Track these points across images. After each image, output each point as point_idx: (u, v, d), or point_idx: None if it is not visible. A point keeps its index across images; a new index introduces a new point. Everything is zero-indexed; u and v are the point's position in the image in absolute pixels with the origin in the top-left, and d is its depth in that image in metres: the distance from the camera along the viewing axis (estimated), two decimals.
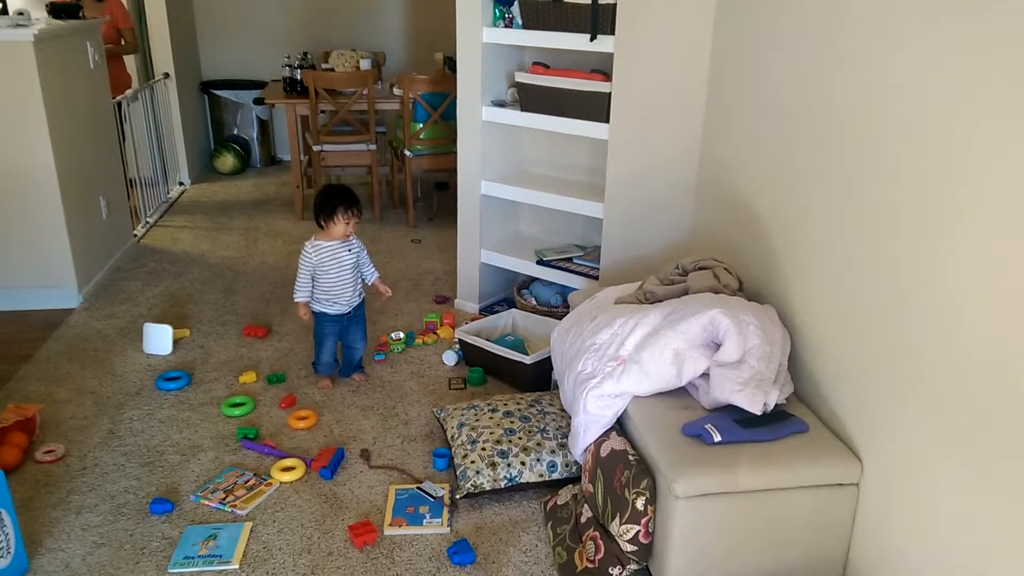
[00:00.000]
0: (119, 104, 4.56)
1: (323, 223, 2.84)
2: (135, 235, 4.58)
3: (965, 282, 1.56)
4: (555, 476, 2.39)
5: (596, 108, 3.06)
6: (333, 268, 2.86)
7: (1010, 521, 1.47)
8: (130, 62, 5.36)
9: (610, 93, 2.98)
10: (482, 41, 3.26)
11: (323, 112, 4.96)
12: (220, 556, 2.14)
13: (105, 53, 4.27)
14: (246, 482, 2.44)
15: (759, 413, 2.01)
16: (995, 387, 1.49)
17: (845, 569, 2.01)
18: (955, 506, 1.61)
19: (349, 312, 2.94)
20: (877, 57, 1.84)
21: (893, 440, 1.81)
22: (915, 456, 1.73)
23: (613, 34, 2.89)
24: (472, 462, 2.38)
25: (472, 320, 3.44)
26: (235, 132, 6.25)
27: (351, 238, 2.89)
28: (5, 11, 4.60)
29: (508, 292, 3.82)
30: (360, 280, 2.97)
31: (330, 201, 2.81)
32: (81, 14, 3.99)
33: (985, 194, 1.50)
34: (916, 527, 1.73)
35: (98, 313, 3.64)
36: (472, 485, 2.34)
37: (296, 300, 2.89)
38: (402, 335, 3.36)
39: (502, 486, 2.35)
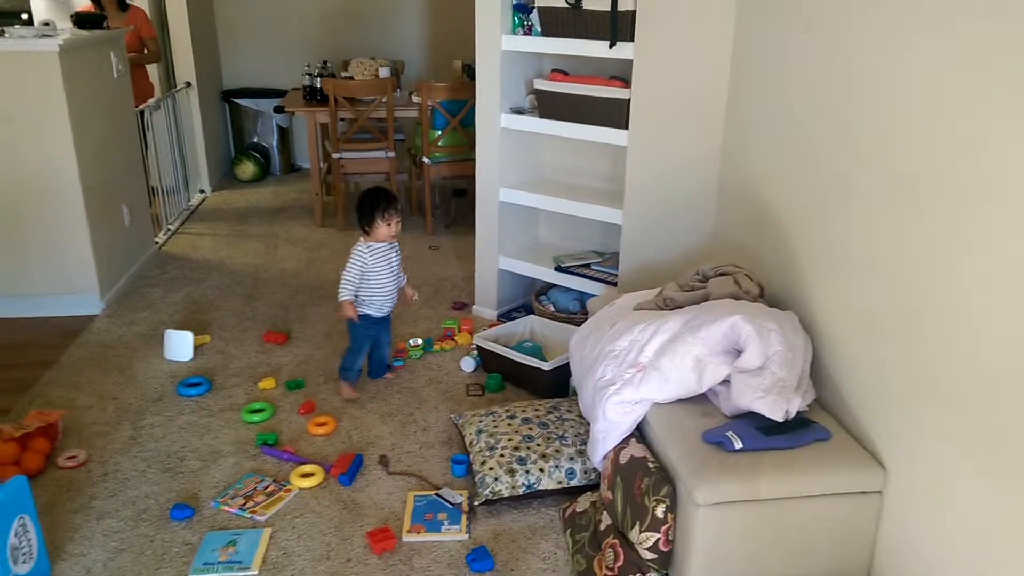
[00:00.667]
0: (141, 113, 4.61)
1: (367, 228, 2.85)
2: (156, 242, 4.63)
3: (988, 288, 1.53)
4: (574, 483, 2.38)
5: (615, 114, 3.05)
6: (384, 270, 2.89)
7: None
8: (152, 71, 5.42)
9: (629, 99, 2.97)
10: (501, 49, 3.27)
11: (342, 120, 4.99)
12: (240, 562, 2.14)
13: (128, 62, 4.32)
14: (265, 488, 2.45)
15: (781, 420, 1.99)
16: (1019, 393, 1.46)
17: None
18: (978, 515, 1.58)
19: (384, 319, 2.99)
20: (897, 59, 1.81)
21: (917, 447, 1.78)
22: (939, 464, 1.70)
23: (632, 40, 2.89)
24: (491, 468, 2.37)
25: (490, 326, 3.44)
26: (255, 140, 6.31)
27: (395, 241, 2.91)
28: (31, 21, 4.67)
29: (526, 298, 3.81)
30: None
31: (369, 205, 2.82)
32: (105, 24, 4.05)
33: (1007, 198, 1.48)
34: (940, 536, 1.70)
35: (120, 320, 3.68)
36: (491, 492, 2.33)
37: (343, 299, 2.85)
38: (420, 341, 3.37)
39: (520, 493, 2.34)
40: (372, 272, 2.87)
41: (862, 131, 1.97)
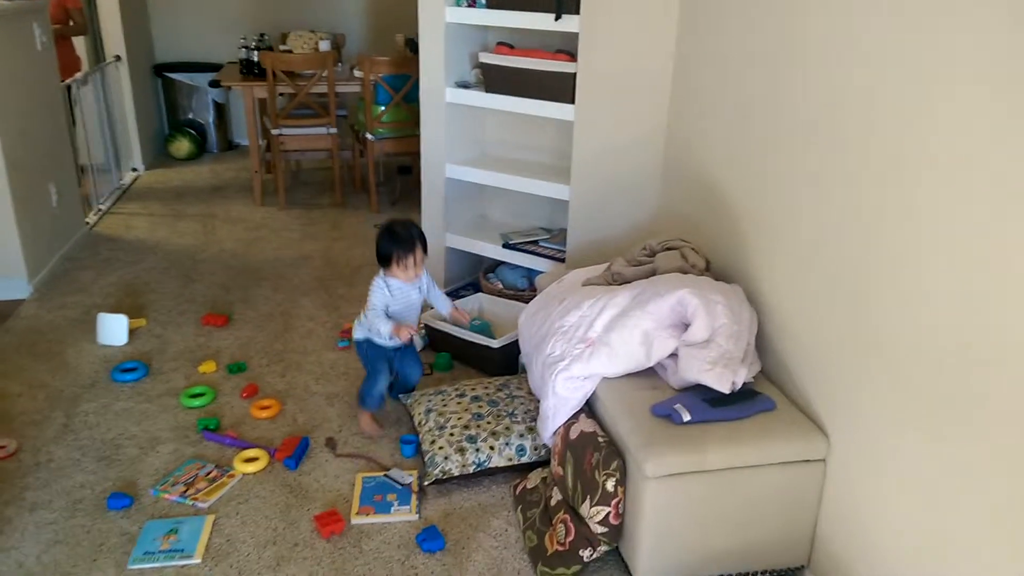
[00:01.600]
0: (68, 88, 4.39)
1: (383, 268, 2.55)
2: (87, 223, 4.44)
3: (928, 261, 1.57)
4: (524, 460, 2.37)
5: (561, 89, 3.02)
6: (403, 309, 2.58)
7: (971, 493, 1.48)
8: (79, 44, 5.17)
9: (575, 73, 2.95)
10: (445, 21, 3.20)
11: (281, 95, 4.84)
12: (182, 551, 2.08)
13: (53, 34, 4.10)
14: (207, 474, 2.38)
15: (727, 392, 2.01)
16: (955, 362, 1.50)
17: (813, 544, 2.02)
18: (918, 479, 1.63)
19: (401, 345, 2.65)
20: (842, 37, 1.83)
21: (858, 416, 1.82)
22: (879, 431, 1.74)
23: (578, 13, 2.85)
24: (440, 448, 2.34)
25: None
26: (190, 116, 6.08)
27: (419, 277, 2.60)
28: None
29: (474, 276, 3.78)
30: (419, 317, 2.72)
31: (384, 247, 2.51)
32: None
33: (950, 174, 1.51)
34: (881, 501, 1.75)
35: (49, 304, 3.52)
36: (441, 471, 2.31)
37: (387, 329, 2.48)
38: None
39: (471, 471, 2.33)
40: (390, 309, 2.56)
41: (806, 105, 1.99)
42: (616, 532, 1.98)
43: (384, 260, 2.51)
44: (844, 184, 1.84)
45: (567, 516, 2.05)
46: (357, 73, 4.66)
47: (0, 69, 3.41)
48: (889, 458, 1.72)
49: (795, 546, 2.02)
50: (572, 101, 2.99)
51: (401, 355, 2.66)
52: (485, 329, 3.10)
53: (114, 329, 3.15)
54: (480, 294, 3.37)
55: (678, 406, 1.98)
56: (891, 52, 1.66)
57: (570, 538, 2.01)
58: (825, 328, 1.94)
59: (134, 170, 5.55)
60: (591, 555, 1.97)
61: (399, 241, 2.49)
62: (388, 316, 2.52)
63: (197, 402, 2.75)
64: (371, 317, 2.51)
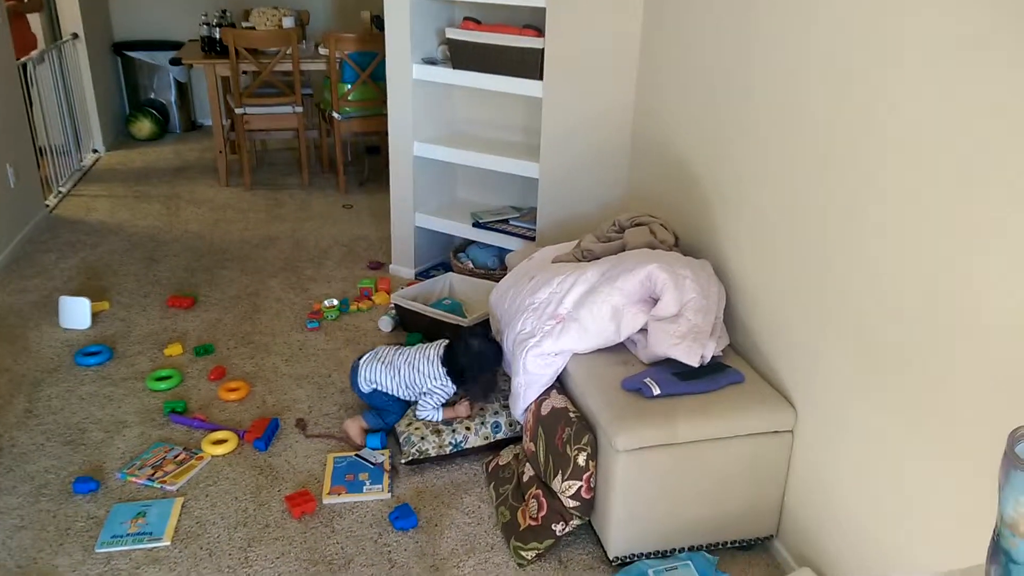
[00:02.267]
0: (24, 66, 4.26)
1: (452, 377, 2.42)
2: (47, 205, 4.32)
3: (891, 237, 1.59)
4: (500, 436, 2.37)
5: (529, 65, 3.00)
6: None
7: (933, 460, 1.52)
8: (34, 21, 5.01)
9: (543, 49, 2.93)
10: None
11: (245, 73, 4.75)
12: (150, 533, 2.05)
13: (7, 12, 3.97)
14: (175, 457, 2.35)
15: (697, 365, 2.03)
16: (917, 334, 1.53)
17: (782, 513, 2.06)
18: (881, 449, 1.66)
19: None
20: (807, 13, 1.83)
21: (823, 387, 1.85)
22: (844, 402, 1.77)
23: None
24: (416, 428, 2.34)
25: (408, 285, 3.38)
26: (152, 96, 5.94)
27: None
28: None
29: (444, 256, 3.76)
30: None
31: (484, 363, 2.41)
32: None
33: (914, 151, 1.52)
34: (846, 470, 1.78)
35: (9, 287, 3.43)
36: (417, 451, 2.30)
37: (440, 416, 2.39)
38: (336, 302, 3.28)
39: (448, 452, 2.32)
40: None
41: (773, 81, 2.00)
42: (588, 506, 1.99)
43: (474, 381, 2.39)
44: (810, 160, 1.85)
45: (539, 491, 2.06)
46: (322, 51, 4.59)
47: None
48: (853, 428, 1.75)
49: (764, 516, 2.05)
50: (540, 77, 2.97)
51: (389, 400, 2.50)
52: (456, 309, 3.09)
53: (76, 312, 3.08)
54: (450, 274, 3.35)
55: (648, 380, 1.99)
56: (856, 29, 1.67)
57: (542, 513, 2.02)
58: (791, 302, 1.96)
59: (95, 151, 5.41)
60: (563, 529, 1.98)
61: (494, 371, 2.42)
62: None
63: (163, 385, 2.71)
64: (427, 413, 2.37)
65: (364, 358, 2.50)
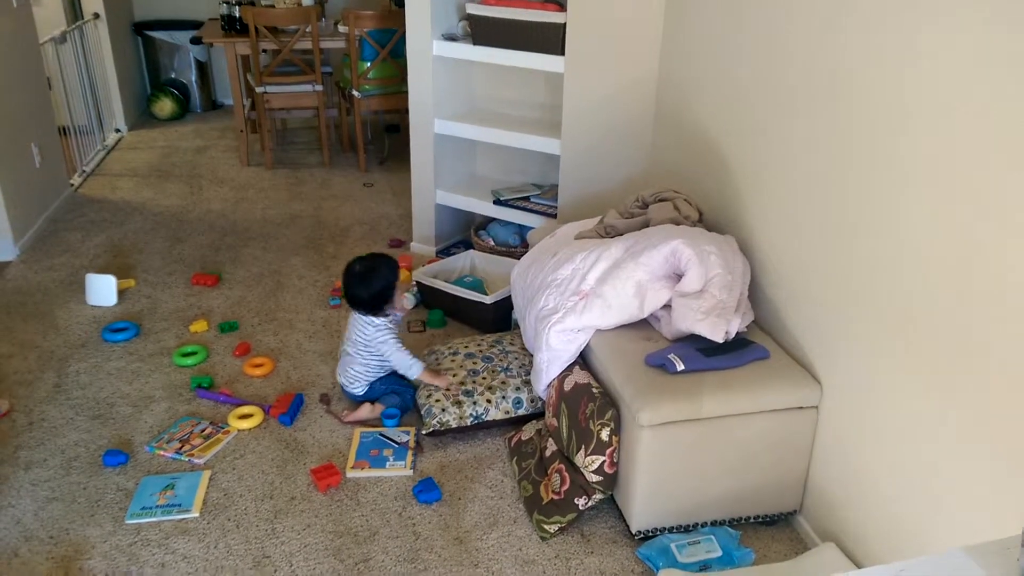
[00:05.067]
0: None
1: (386, 306, 2.46)
2: (72, 184, 4.37)
3: (919, 209, 1.56)
4: (521, 412, 2.38)
5: (551, 40, 2.97)
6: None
7: (961, 436, 1.50)
8: (55, 1, 5.04)
9: (565, 24, 2.90)
10: None
11: (265, 52, 4.75)
12: (179, 505, 2.09)
13: None
14: (202, 431, 2.38)
15: (721, 341, 2.02)
16: (945, 308, 1.51)
17: (805, 489, 2.05)
18: (908, 424, 1.64)
19: None
20: None
21: (850, 363, 1.83)
22: (870, 377, 1.76)
23: None
24: (437, 400, 2.35)
25: (429, 263, 3.38)
26: (172, 75, 5.96)
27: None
28: None
29: (465, 233, 3.76)
30: None
31: (384, 276, 2.43)
32: None
33: (944, 114, 1.49)
34: (872, 446, 1.77)
35: (37, 265, 3.48)
36: (438, 422, 2.32)
37: (420, 373, 2.42)
38: None
39: (468, 423, 2.34)
40: None
41: (802, 50, 1.96)
42: (611, 481, 2.00)
43: (389, 292, 2.43)
44: (837, 133, 1.82)
45: (562, 466, 2.07)
46: (342, 28, 4.57)
47: None
48: (880, 404, 1.74)
49: (788, 492, 2.04)
50: (562, 52, 2.94)
51: (393, 381, 2.54)
52: (477, 286, 3.10)
53: (103, 290, 3.12)
54: (472, 251, 3.35)
55: (672, 356, 1.99)
56: (890, 4, 1.63)
57: (565, 487, 2.03)
58: (818, 277, 1.94)
59: (117, 131, 5.45)
60: (586, 503, 1.99)
61: (393, 266, 2.47)
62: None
63: (189, 361, 2.74)
64: (401, 359, 2.40)
65: (339, 374, 2.55)
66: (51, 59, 4.36)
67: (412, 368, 2.42)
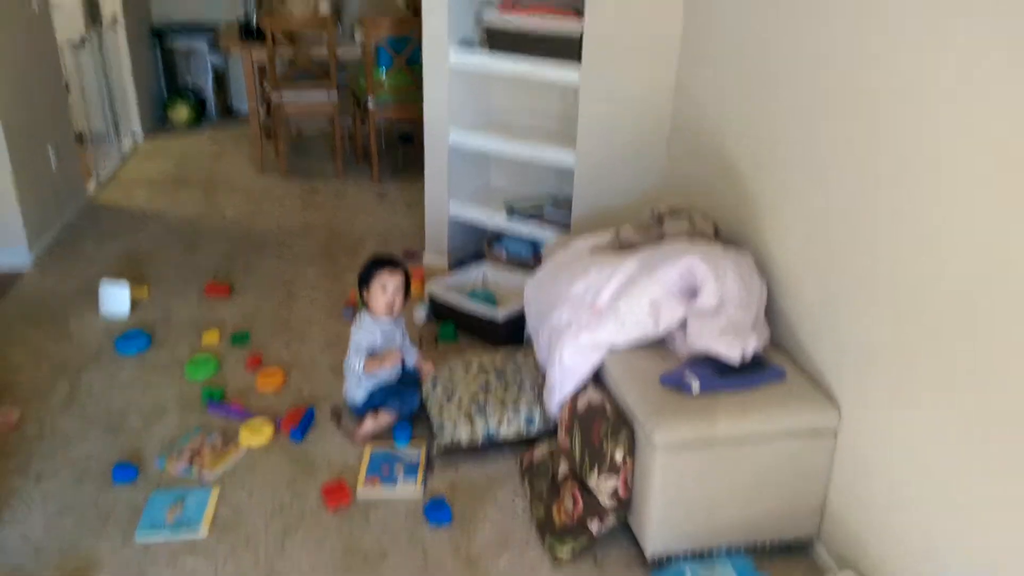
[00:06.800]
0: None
1: (364, 298, 2.49)
2: (87, 191, 4.39)
3: (945, 229, 1.52)
4: (533, 430, 2.35)
5: (568, 49, 2.94)
6: (385, 348, 2.49)
7: (985, 462, 1.46)
8: (74, 5, 5.07)
9: (582, 34, 2.87)
10: None
11: (281, 59, 4.75)
12: (188, 522, 2.07)
13: None
14: (213, 445, 2.37)
15: (738, 361, 1.98)
16: (969, 332, 1.47)
17: (823, 515, 2.01)
18: (930, 449, 1.60)
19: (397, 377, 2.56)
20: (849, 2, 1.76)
21: (870, 385, 1.79)
22: (891, 400, 1.72)
23: None
24: (449, 415, 2.33)
25: (441, 275, 3.36)
26: (189, 81, 5.99)
27: (400, 315, 2.54)
28: None
29: (478, 246, 3.74)
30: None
31: (368, 265, 2.48)
32: None
33: (962, 133, 1.46)
34: (893, 471, 1.73)
35: (51, 273, 3.49)
36: (451, 438, 2.29)
37: (361, 370, 2.43)
38: None
39: (480, 441, 2.31)
40: (377, 348, 2.47)
41: (821, 67, 1.93)
42: (625, 504, 1.96)
43: (366, 279, 2.46)
44: (856, 149, 1.78)
45: (575, 488, 2.04)
46: (358, 36, 4.57)
47: None
48: (901, 427, 1.70)
49: (805, 517, 2.00)
50: (579, 60, 2.91)
51: (399, 387, 2.51)
52: (490, 299, 3.07)
53: (117, 299, 3.12)
54: (485, 264, 3.33)
55: (687, 375, 1.95)
56: (907, 15, 1.59)
57: (578, 510, 2.00)
58: (837, 296, 1.90)
59: (134, 137, 5.48)
60: (600, 528, 1.96)
61: (383, 260, 2.49)
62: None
63: (201, 372, 2.73)
64: (351, 354, 2.43)
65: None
66: (69, 63, 4.38)
67: (356, 365, 2.43)
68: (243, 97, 6.13)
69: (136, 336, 2.92)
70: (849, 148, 1.83)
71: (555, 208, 3.38)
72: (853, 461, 1.88)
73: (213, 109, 6.06)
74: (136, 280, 3.40)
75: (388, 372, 2.50)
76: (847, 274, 1.86)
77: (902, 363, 1.68)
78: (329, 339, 3.00)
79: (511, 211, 3.37)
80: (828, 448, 1.94)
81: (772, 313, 2.20)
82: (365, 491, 2.20)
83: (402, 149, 5.17)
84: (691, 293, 2.14)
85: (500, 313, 2.86)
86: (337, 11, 5.14)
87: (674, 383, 1.97)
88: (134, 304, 3.18)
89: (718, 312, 2.06)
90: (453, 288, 3.13)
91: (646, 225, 2.51)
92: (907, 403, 1.67)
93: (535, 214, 3.35)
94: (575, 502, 2.01)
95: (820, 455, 1.95)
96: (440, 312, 3.10)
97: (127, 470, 2.24)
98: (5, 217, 3.46)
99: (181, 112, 5.82)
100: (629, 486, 1.96)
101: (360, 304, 2.54)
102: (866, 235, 1.78)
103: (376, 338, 2.47)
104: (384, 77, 4.52)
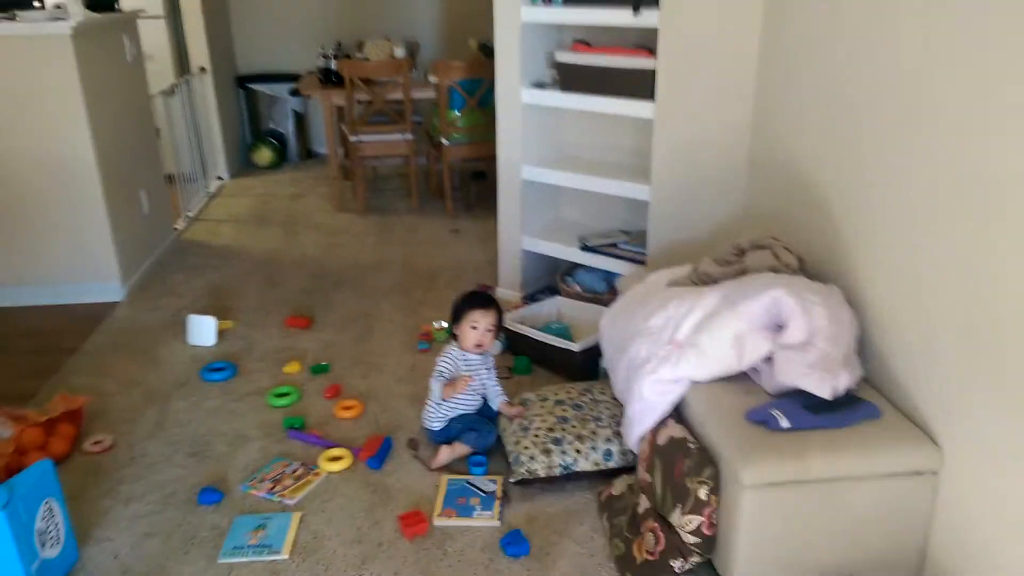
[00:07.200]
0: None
1: (455, 331, 2.52)
2: (176, 229, 4.59)
3: None
4: (611, 464, 2.31)
5: (641, 85, 2.96)
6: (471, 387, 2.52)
7: None
8: (165, 56, 5.37)
9: (654, 70, 2.88)
10: (521, 21, 3.18)
11: (359, 102, 4.92)
12: (270, 546, 2.10)
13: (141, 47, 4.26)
14: (294, 472, 2.40)
15: (829, 397, 1.91)
16: None
17: (924, 562, 1.90)
18: None
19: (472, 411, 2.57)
20: (941, 20, 1.72)
21: (974, 424, 1.70)
22: (999, 440, 1.62)
23: (657, 7, 2.79)
24: (525, 448, 2.31)
25: (515, 308, 3.37)
26: (271, 126, 6.25)
27: (488, 353, 2.57)
28: (43, 5, 4.62)
29: (551, 279, 3.74)
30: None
31: (462, 301, 2.52)
32: (116, 6, 3.99)
33: None
34: (1001, 516, 1.62)
35: (142, 306, 3.64)
36: (526, 471, 2.27)
37: (438, 390, 2.47)
38: (445, 324, 3.30)
39: (556, 473, 2.28)
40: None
41: (909, 92, 1.88)
42: (710, 543, 1.90)
43: (457, 314, 2.51)
44: (950, 175, 1.72)
45: (656, 524, 1.99)
46: (432, 79, 4.70)
47: (94, 80, 3.55)
48: (1010, 470, 1.60)
49: (903, 563, 1.89)
50: (652, 98, 2.92)
51: (477, 420, 2.52)
52: (564, 332, 3.06)
53: (203, 330, 3.23)
54: (558, 297, 3.33)
55: (775, 412, 1.89)
56: (996, 39, 1.54)
57: (660, 547, 1.94)
58: (933, 330, 1.82)
59: (219, 178, 5.72)
60: (683, 566, 1.90)
61: (477, 299, 2.54)
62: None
63: (282, 401, 2.79)
64: (432, 380, 2.48)
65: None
66: (160, 110, 4.63)
67: (434, 390, 2.48)
68: (322, 140, 6.35)
69: (221, 366, 3.01)
70: (940, 175, 1.76)
71: (629, 241, 3.36)
72: (956, 505, 1.77)
73: (294, 151, 6.30)
74: (220, 312, 3.51)
75: (467, 403, 2.50)
76: (946, 306, 1.78)
77: (1009, 400, 1.59)
78: (404, 371, 3.02)
79: (585, 245, 3.36)
80: (929, 491, 1.84)
81: (864, 349, 2.12)
82: (442, 521, 2.19)
83: (474, 186, 5.25)
84: (776, 327, 2.09)
85: (577, 345, 2.84)
86: (412, 55, 5.30)
87: (761, 419, 1.91)
88: (220, 335, 3.28)
89: (807, 346, 2.00)
90: (527, 320, 3.13)
91: (726, 259, 2.47)
92: (1015, 443, 1.58)
93: (609, 247, 3.34)
94: (657, 539, 1.95)
95: (920, 498, 1.85)
96: (515, 344, 3.10)
97: (212, 494, 2.28)
98: (101, 256, 3.64)
99: (264, 155, 6.06)
100: (714, 524, 1.89)
101: (448, 335, 2.59)
102: (964, 266, 1.70)
103: (458, 369, 2.49)
104: (457, 117, 4.62)
